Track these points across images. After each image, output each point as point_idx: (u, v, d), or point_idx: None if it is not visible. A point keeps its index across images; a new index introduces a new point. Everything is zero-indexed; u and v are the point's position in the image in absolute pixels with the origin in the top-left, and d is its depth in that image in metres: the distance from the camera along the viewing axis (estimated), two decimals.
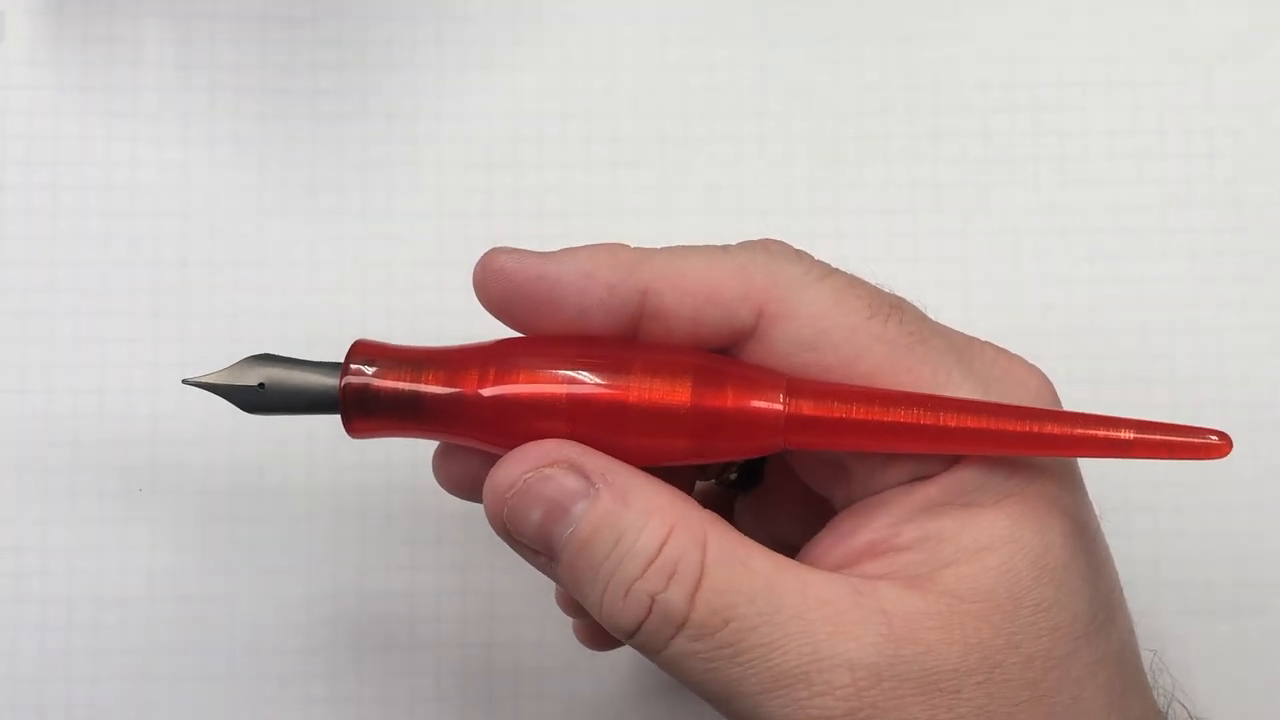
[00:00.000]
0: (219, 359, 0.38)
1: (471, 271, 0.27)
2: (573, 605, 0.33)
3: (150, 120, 0.39)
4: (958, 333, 0.28)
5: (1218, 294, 0.39)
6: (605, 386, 0.26)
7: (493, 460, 0.27)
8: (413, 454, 0.37)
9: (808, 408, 0.26)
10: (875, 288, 0.27)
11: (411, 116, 0.39)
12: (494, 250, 0.27)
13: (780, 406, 0.26)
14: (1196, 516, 0.38)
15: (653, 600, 0.25)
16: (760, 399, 0.26)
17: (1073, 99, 0.40)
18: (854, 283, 0.27)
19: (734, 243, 0.28)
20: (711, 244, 0.28)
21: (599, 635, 0.33)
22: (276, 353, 0.29)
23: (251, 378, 0.28)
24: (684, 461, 0.27)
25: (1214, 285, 0.39)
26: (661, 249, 0.27)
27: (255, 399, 0.28)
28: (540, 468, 0.26)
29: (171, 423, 0.38)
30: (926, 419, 0.25)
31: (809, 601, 0.25)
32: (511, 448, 0.26)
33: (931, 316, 0.28)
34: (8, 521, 0.37)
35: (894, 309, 0.27)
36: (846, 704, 0.24)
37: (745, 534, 0.27)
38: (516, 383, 0.26)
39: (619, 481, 0.26)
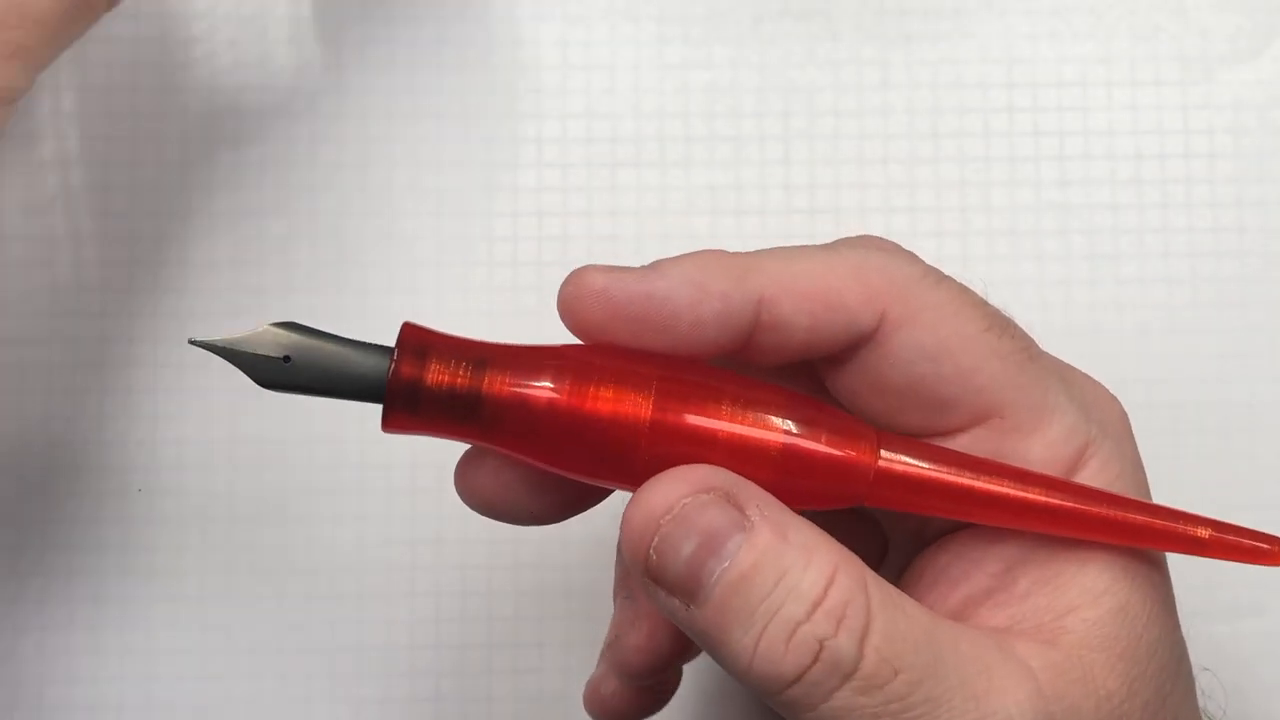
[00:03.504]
0: (218, 359, 0.38)
1: (561, 289, 0.25)
2: (622, 664, 0.30)
3: (149, 120, 0.39)
4: (1049, 354, 0.27)
5: (1218, 294, 0.39)
6: (694, 413, 0.24)
7: (540, 477, 0.25)
8: (411, 456, 0.37)
9: (899, 465, 0.24)
10: (982, 297, 0.26)
11: (411, 117, 0.39)
12: (585, 270, 0.25)
13: (872, 460, 0.24)
14: None
15: (821, 646, 0.22)
16: (853, 449, 0.24)
17: (1073, 99, 0.40)
18: (965, 290, 0.26)
19: (839, 239, 0.27)
20: (815, 244, 0.26)
21: (633, 704, 0.30)
22: (301, 321, 0.25)
23: (274, 348, 0.25)
24: None
25: (1214, 285, 0.39)
26: (769, 251, 0.25)
27: (276, 372, 0.25)
28: (697, 493, 0.23)
29: (171, 423, 0.38)
30: (1014, 491, 0.25)
31: (964, 654, 0.23)
32: (576, 466, 0.24)
33: None
34: (8, 521, 0.37)
35: (1007, 323, 0.26)
36: None
37: None
38: (598, 397, 0.24)
39: (775, 515, 0.23)
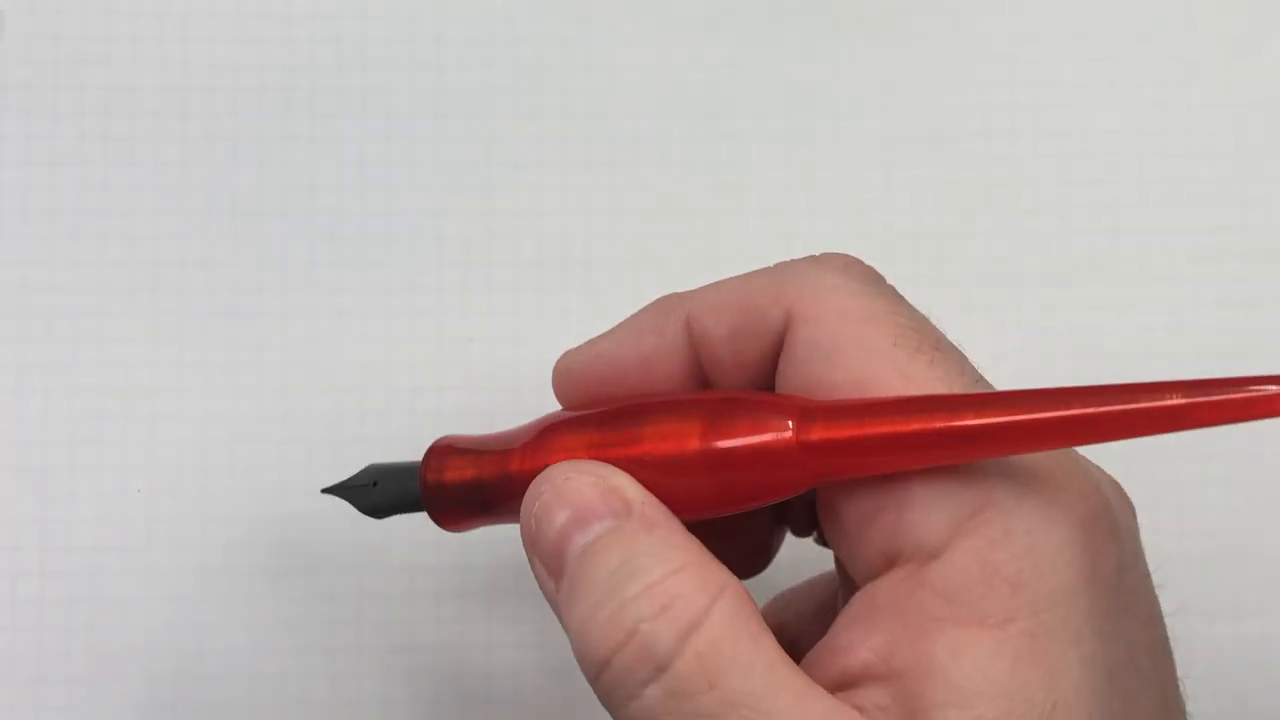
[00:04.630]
0: (218, 359, 0.38)
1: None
2: None
3: (149, 119, 0.39)
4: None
5: (1218, 294, 0.39)
6: (622, 441, 0.25)
7: None
8: (411, 456, 0.37)
9: (818, 431, 0.23)
10: (927, 325, 0.25)
11: (411, 117, 0.39)
12: (560, 359, 0.28)
13: (789, 432, 0.23)
14: (1196, 517, 0.38)
15: (636, 627, 0.22)
16: (769, 426, 0.24)
17: (1073, 99, 0.40)
18: (898, 311, 0.24)
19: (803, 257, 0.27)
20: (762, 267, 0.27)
21: None
22: (384, 462, 0.30)
23: (366, 478, 0.30)
24: (719, 511, 0.25)
25: (1214, 285, 0.39)
26: (709, 285, 0.27)
27: (367, 496, 0.30)
28: (582, 473, 0.24)
29: (171, 423, 0.38)
30: (942, 422, 0.22)
31: (802, 711, 0.21)
32: None
33: (936, 326, 0.25)
34: (7, 521, 0.37)
35: (933, 350, 0.24)
36: None
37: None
38: (546, 451, 0.26)
39: (652, 514, 0.24)
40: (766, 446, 0.24)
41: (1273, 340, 0.39)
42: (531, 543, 0.25)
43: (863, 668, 0.22)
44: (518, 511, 0.25)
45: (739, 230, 0.39)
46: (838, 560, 0.27)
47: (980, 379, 0.24)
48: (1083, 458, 0.24)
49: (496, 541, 0.38)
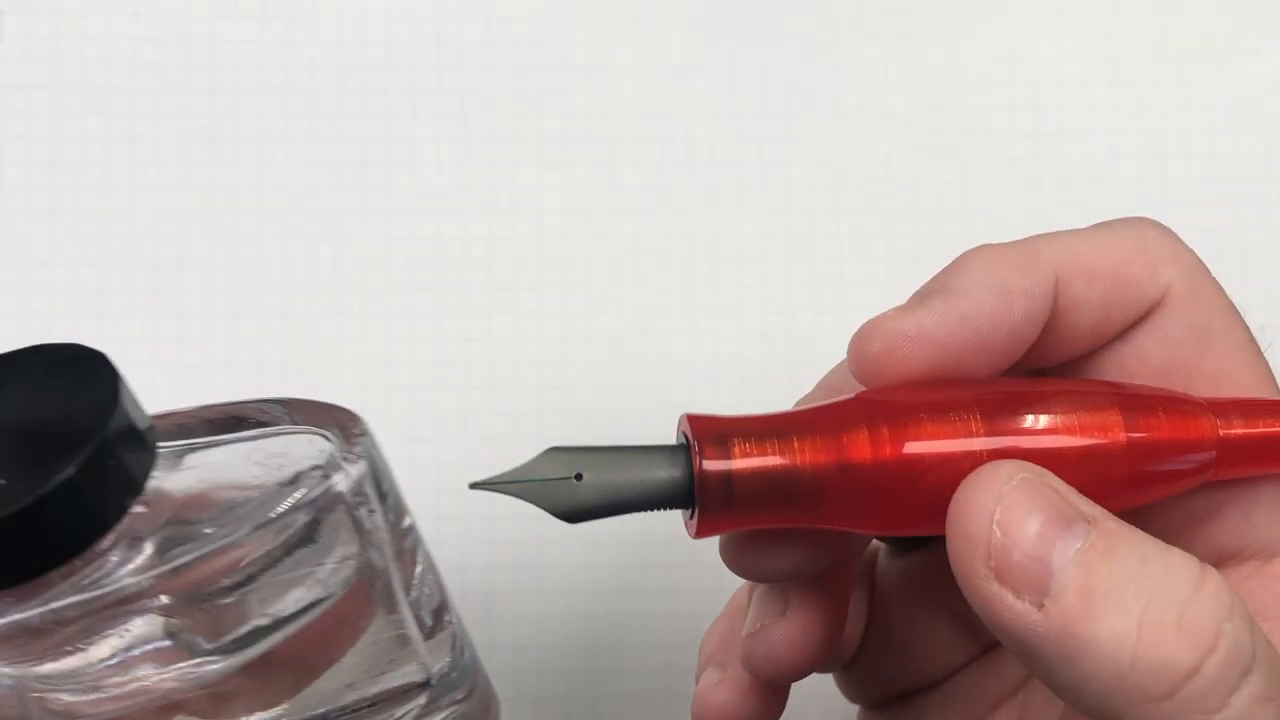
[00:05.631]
0: (218, 359, 0.38)
1: (860, 347, 0.23)
2: (764, 657, 0.26)
3: (149, 119, 0.39)
4: None
5: None
6: (1028, 432, 0.22)
7: (842, 539, 0.23)
8: (409, 456, 0.37)
9: (1238, 426, 0.22)
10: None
11: (410, 116, 0.39)
12: (884, 320, 0.23)
13: (1213, 433, 0.22)
14: None
15: (1220, 629, 0.19)
16: (1193, 419, 0.22)
17: (1073, 99, 0.40)
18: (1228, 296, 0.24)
19: (1113, 220, 0.25)
20: (1086, 226, 0.25)
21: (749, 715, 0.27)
22: (564, 444, 0.22)
23: (562, 469, 0.22)
24: (1123, 505, 0.22)
25: None
26: (1041, 236, 0.24)
27: (570, 493, 0.22)
28: (1027, 472, 0.21)
29: None
30: None
31: None
32: (913, 527, 0.22)
33: None
34: None
35: (1264, 347, 0.24)
36: None
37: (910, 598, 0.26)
38: (925, 438, 0.21)
39: (1108, 521, 0.20)
40: (1192, 440, 0.22)
41: (1272, 340, 0.39)
42: (988, 556, 0.20)
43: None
44: (849, 509, 0.22)
45: (739, 230, 0.39)
46: None
47: None
48: None
49: (497, 542, 0.38)
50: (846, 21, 0.40)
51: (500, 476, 0.22)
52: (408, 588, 0.26)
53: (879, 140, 0.40)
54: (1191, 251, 0.24)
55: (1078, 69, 0.40)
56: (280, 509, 0.23)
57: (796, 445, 0.22)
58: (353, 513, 0.25)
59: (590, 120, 0.39)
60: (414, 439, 0.38)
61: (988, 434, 0.21)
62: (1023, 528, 0.20)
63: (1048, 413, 0.22)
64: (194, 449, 0.25)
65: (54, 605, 0.22)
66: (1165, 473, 0.22)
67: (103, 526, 0.23)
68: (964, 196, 0.39)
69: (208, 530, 0.23)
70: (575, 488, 0.22)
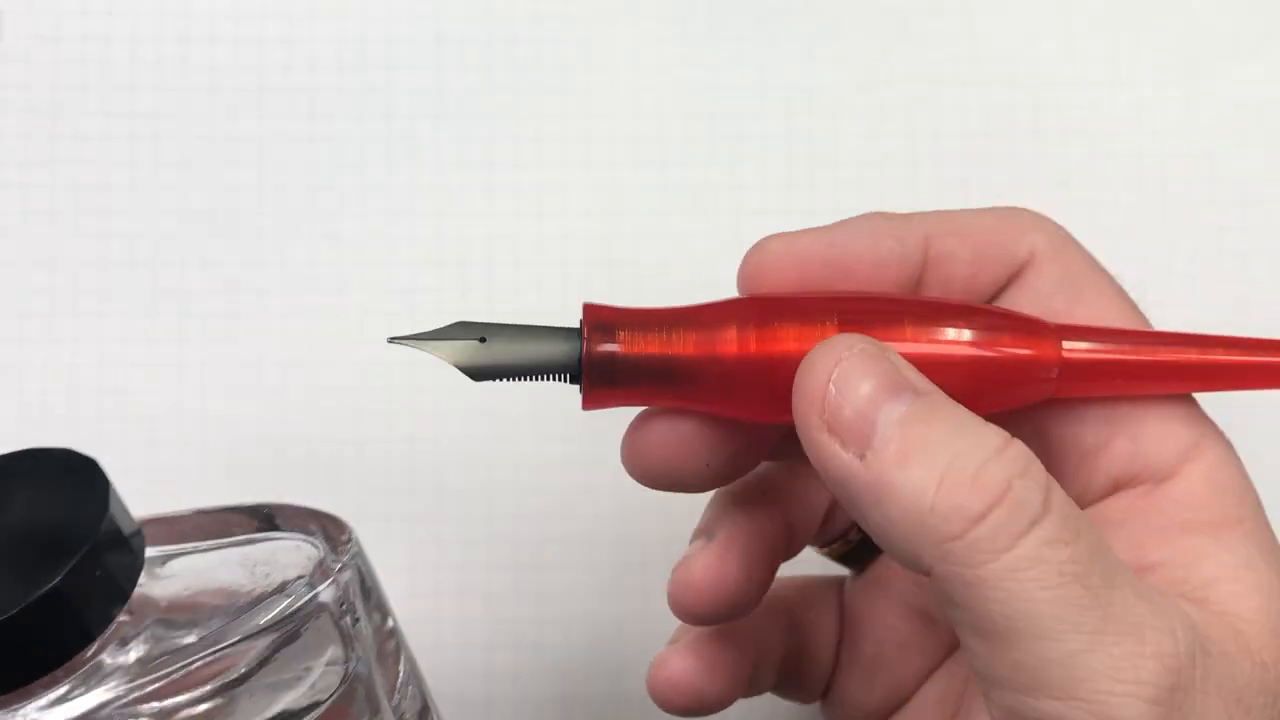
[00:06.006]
0: (218, 360, 0.38)
1: (746, 260, 0.26)
2: (685, 586, 0.28)
3: (148, 119, 0.39)
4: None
5: (1218, 294, 0.39)
6: (878, 334, 0.24)
7: (715, 432, 0.25)
8: (409, 457, 0.37)
9: (1081, 351, 0.25)
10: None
11: (411, 116, 0.39)
12: (766, 240, 0.26)
13: (1055, 355, 0.25)
14: None
15: (1009, 485, 0.22)
16: (1035, 347, 0.25)
17: (1073, 99, 0.40)
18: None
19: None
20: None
21: (701, 684, 0.28)
22: (481, 320, 0.26)
23: (468, 333, 0.26)
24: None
25: (1215, 285, 0.39)
26: (923, 212, 0.27)
27: (476, 353, 0.26)
28: (877, 347, 0.24)
29: (171, 423, 0.38)
30: (1195, 354, 0.26)
31: (1142, 553, 0.24)
32: (771, 411, 0.25)
33: None
34: None
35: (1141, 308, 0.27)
36: (1169, 678, 0.21)
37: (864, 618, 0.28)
38: (785, 339, 0.24)
39: (936, 395, 0.23)
40: (1034, 359, 0.25)
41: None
42: (823, 410, 0.23)
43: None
44: (721, 395, 0.25)
45: (739, 230, 0.39)
46: None
47: None
48: None
49: (496, 542, 0.38)
50: (846, 21, 0.40)
51: (416, 334, 0.26)
52: (390, 692, 0.27)
53: (878, 140, 0.40)
54: (1058, 225, 0.27)
55: (1078, 69, 0.40)
56: (267, 618, 0.24)
57: (676, 337, 0.25)
58: (338, 622, 0.25)
59: (590, 120, 0.39)
60: (414, 439, 0.38)
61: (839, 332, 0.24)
62: (856, 388, 0.23)
63: (899, 322, 0.25)
64: (181, 554, 0.25)
65: (34, 718, 0.22)
66: (1007, 383, 0.25)
67: (87, 637, 0.23)
68: (964, 197, 0.39)
69: (191, 639, 0.24)
70: (480, 348, 0.26)
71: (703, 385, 0.25)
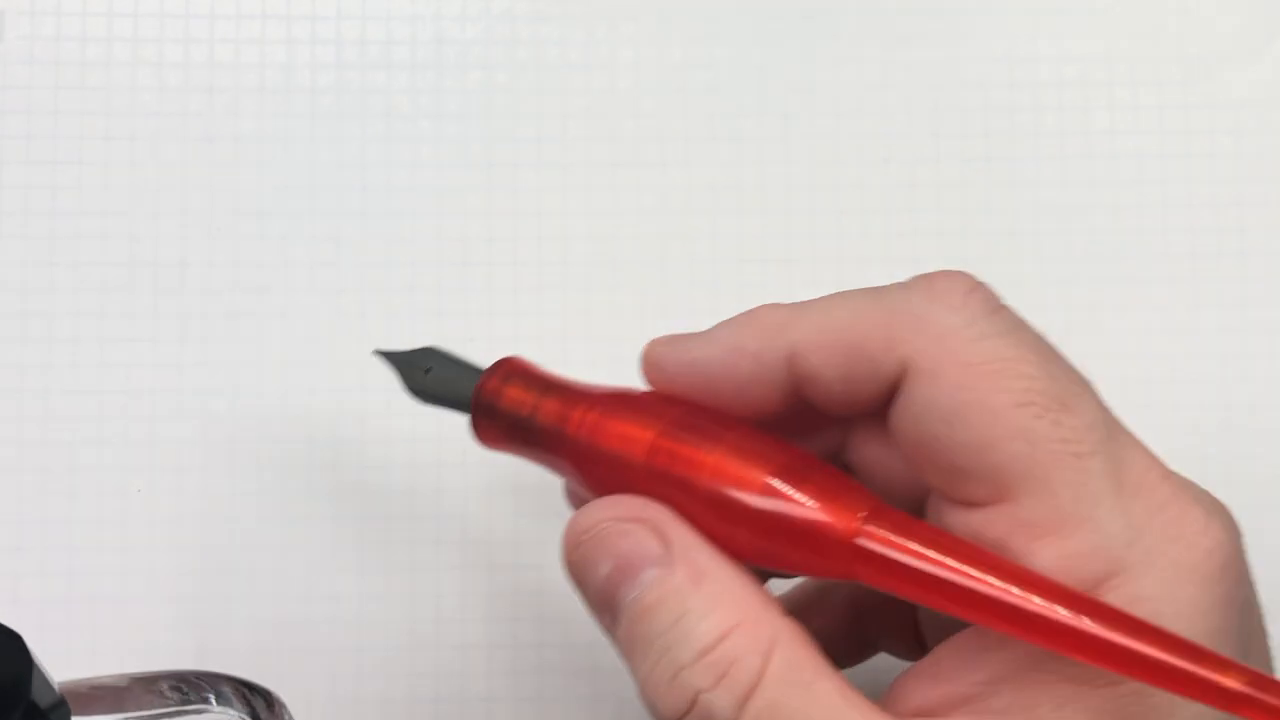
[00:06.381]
0: (219, 360, 0.38)
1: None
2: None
3: (148, 119, 0.39)
4: (1138, 454, 0.23)
5: (1218, 294, 0.39)
6: (683, 457, 0.24)
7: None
8: (409, 457, 0.37)
9: (879, 547, 0.23)
10: (1058, 368, 0.24)
11: (411, 117, 0.39)
12: (651, 343, 0.27)
13: (848, 536, 0.23)
14: None
15: (696, 697, 0.22)
16: (833, 513, 0.23)
17: (1073, 99, 0.40)
18: (1025, 354, 0.23)
19: (914, 277, 0.25)
20: (878, 286, 0.25)
21: None
22: (446, 350, 0.30)
23: (423, 361, 0.30)
24: (753, 562, 0.24)
25: (1214, 285, 0.39)
26: (816, 301, 0.25)
27: (419, 381, 0.30)
28: (622, 520, 0.24)
29: (171, 423, 0.38)
30: (1010, 598, 0.21)
31: None
32: (598, 490, 0.26)
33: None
34: (7, 521, 0.37)
35: (1061, 408, 0.23)
36: None
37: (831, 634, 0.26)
38: (610, 436, 0.26)
39: (699, 560, 0.23)
40: (820, 530, 0.23)
41: (1273, 340, 0.39)
42: (578, 584, 0.25)
43: (961, 698, 0.23)
44: (565, 465, 0.27)
45: (739, 230, 0.39)
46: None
47: (1112, 428, 0.23)
48: (1201, 491, 0.24)
49: (496, 542, 0.38)
50: (846, 21, 0.40)
51: (392, 351, 0.30)
52: None
53: (878, 140, 0.40)
54: (953, 316, 0.24)
55: (1078, 69, 0.40)
56: None
57: (546, 401, 0.27)
58: None
59: (590, 120, 0.39)
60: (414, 438, 0.38)
61: (655, 449, 0.25)
62: (595, 570, 0.24)
63: (706, 448, 0.24)
64: None
65: None
66: (791, 549, 0.24)
67: None
68: (964, 197, 0.39)
69: None
70: (424, 377, 0.30)
71: (559, 454, 0.27)
